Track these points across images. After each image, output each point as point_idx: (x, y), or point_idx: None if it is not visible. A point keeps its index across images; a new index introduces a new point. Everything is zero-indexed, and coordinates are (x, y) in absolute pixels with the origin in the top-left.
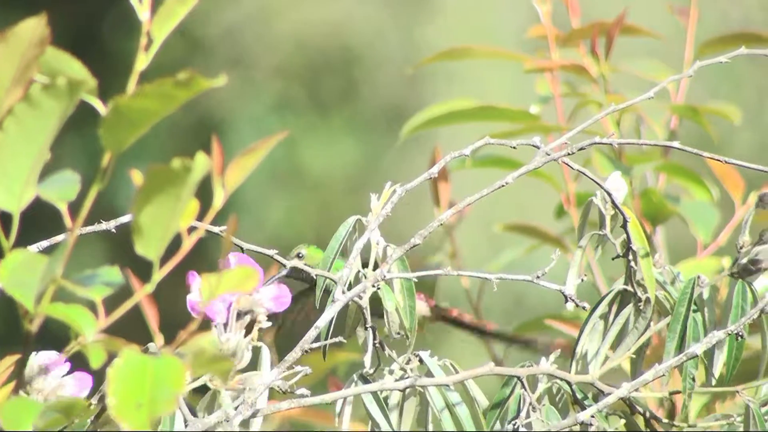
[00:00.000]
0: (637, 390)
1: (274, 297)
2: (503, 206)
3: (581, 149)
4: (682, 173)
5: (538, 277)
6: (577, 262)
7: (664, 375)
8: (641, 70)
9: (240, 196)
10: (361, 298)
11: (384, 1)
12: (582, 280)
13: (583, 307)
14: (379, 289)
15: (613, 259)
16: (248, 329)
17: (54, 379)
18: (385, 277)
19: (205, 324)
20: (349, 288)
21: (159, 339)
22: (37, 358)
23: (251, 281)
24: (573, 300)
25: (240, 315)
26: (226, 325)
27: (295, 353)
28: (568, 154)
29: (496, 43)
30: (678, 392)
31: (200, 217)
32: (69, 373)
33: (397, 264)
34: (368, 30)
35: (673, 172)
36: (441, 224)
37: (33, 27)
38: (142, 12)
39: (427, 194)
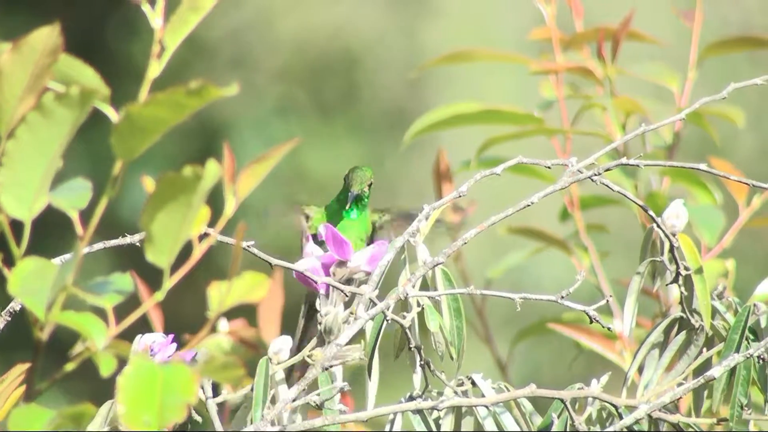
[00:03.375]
0: (664, 412)
1: (370, 258)
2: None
3: (608, 170)
4: (685, 176)
5: (562, 297)
6: (634, 289)
7: (681, 398)
8: (646, 73)
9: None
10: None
11: (386, 3)
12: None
13: (608, 328)
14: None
15: (666, 285)
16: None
17: (160, 360)
18: (407, 295)
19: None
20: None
21: None
22: (143, 339)
23: (260, 289)
24: (598, 321)
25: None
26: (327, 296)
27: (315, 370)
28: (596, 174)
29: (498, 46)
30: (725, 419)
31: (210, 224)
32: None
33: (443, 280)
34: (370, 33)
35: (677, 176)
36: (465, 243)
37: (46, 36)
38: (155, 19)
39: (431, 195)
